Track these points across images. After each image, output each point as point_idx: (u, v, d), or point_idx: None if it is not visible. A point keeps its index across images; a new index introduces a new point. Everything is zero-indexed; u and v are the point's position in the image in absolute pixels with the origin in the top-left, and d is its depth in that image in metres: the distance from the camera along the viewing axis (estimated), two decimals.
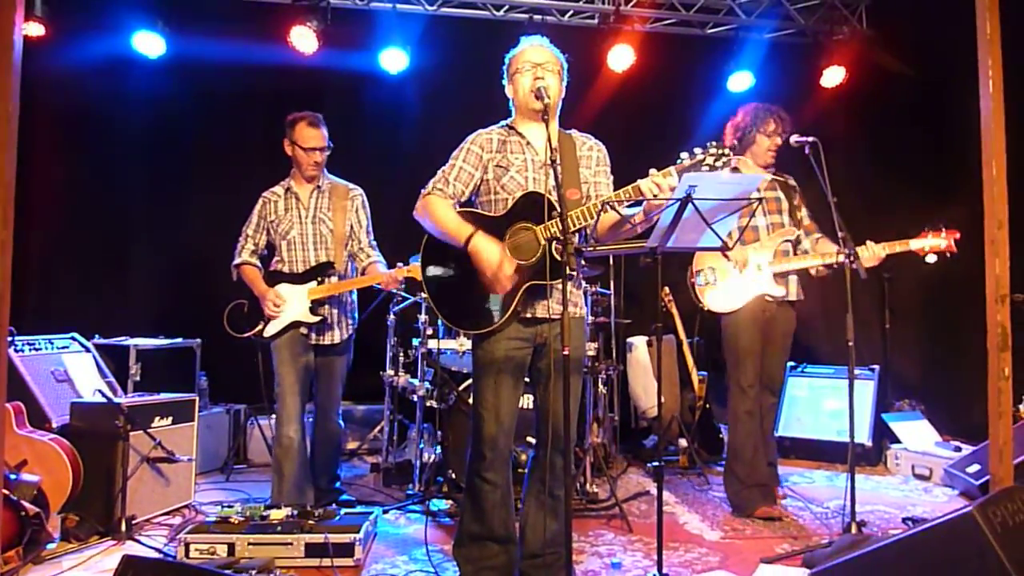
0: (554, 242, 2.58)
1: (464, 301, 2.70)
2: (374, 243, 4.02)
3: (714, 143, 2.52)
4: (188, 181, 5.72)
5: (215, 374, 5.32)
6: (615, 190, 2.82)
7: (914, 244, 3.68)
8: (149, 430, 3.73)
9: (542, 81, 2.67)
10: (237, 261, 3.92)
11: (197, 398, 4.19)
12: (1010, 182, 3.11)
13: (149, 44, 5.31)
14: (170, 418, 3.93)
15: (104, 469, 3.50)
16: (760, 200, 2.48)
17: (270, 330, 3.79)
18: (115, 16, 5.29)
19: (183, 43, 5.38)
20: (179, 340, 5.00)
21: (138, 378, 4.59)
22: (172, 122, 5.66)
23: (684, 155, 2.54)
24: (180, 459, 3.79)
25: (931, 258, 3.68)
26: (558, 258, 2.55)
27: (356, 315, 4.04)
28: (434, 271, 2.78)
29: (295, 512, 3.35)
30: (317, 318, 3.77)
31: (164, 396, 4.01)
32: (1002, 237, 3.06)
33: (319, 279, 3.80)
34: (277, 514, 3.32)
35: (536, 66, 2.73)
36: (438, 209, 2.70)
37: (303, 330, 3.79)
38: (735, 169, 3.96)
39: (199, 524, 3.33)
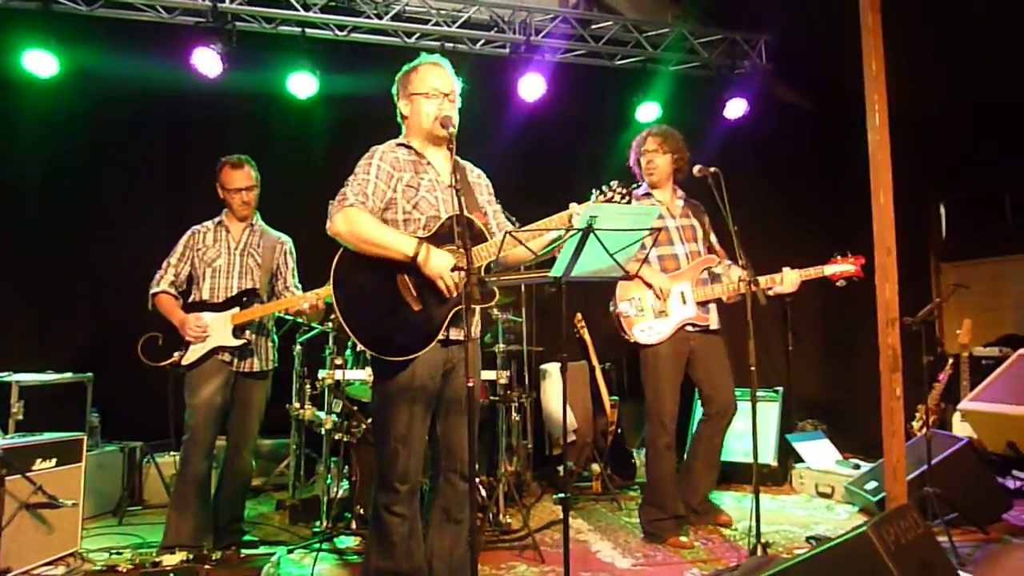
0: (461, 272, 2.56)
1: (386, 325, 2.58)
2: (299, 284, 3.92)
3: (616, 181, 2.63)
4: (81, 207, 5.42)
5: (109, 410, 5.01)
6: (522, 221, 2.87)
7: (827, 270, 3.83)
8: (29, 474, 3.46)
9: (448, 110, 2.72)
10: (155, 290, 3.74)
11: (86, 437, 3.93)
12: (904, 210, 3.28)
13: (41, 63, 5.03)
14: (54, 459, 3.66)
15: None
16: (660, 229, 2.53)
17: (190, 357, 3.61)
18: (4, 33, 5.01)
19: (78, 63, 5.12)
20: (68, 375, 4.70)
21: (21, 417, 4.26)
22: (65, 145, 5.37)
23: (595, 191, 2.63)
24: (63, 504, 3.52)
25: (841, 282, 3.83)
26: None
27: (277, 353, 3.91)
28: (349, 294, 2.61)
29: (191, 556, 3.16)
30: (240, 341, 3.64)
31: (47, 436, 3.74)
32: (891, 263, 3.21)
33: (242, 304, 3.68)
34: (171, 559, 3.13)
35: (444, 96, 2.76)
36: (368, 222, 2.56)
37: (225, 356, 3.64)
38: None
39: (84, 574, 3.11)
